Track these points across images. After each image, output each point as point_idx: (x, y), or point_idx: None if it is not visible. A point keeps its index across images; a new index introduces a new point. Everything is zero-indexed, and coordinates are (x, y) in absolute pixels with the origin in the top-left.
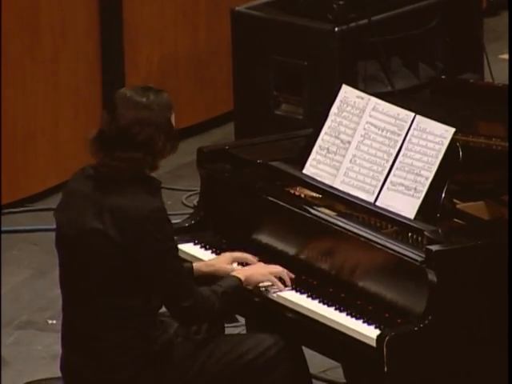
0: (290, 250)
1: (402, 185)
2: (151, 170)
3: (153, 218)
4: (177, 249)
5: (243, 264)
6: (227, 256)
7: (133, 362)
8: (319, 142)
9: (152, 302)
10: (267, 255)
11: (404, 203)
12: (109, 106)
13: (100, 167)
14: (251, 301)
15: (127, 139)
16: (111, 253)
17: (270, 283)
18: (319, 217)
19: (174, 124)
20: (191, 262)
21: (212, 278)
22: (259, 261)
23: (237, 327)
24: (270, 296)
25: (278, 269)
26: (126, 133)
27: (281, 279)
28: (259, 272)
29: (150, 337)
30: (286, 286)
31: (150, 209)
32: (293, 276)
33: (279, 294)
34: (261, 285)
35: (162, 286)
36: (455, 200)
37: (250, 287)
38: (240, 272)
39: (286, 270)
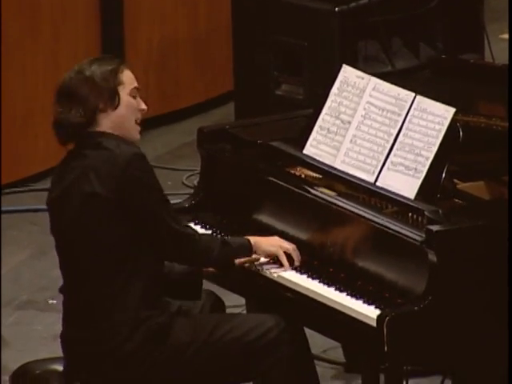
0: (290, 231)
1: (402, 165)
2: (97, 124)
3: (136, 162)
4: (162, 191)
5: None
6: (276, 239)
7: (133, 336)
8: (319, 122)
9: (155, 270)
10: (267, 235)
11: (404, 183)
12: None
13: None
14: (252, 281)
15: (62, 100)
16: (105, 212)
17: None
18: (319, 197)
19: (121, 81)
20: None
21: None
22: None
23: (238, 307)
24: (270, 275)
25: (290, 245)
26: (60, 94)
27: (289, 259)
28: (270, 242)
29: (149, 313)
30: (292, 265)
31: (132, 153)
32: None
33: (280, 273)
34: (264, 265)
35: (160, 229)
36: (455, 180)
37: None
38: (252, 237)
39: (297, 251)
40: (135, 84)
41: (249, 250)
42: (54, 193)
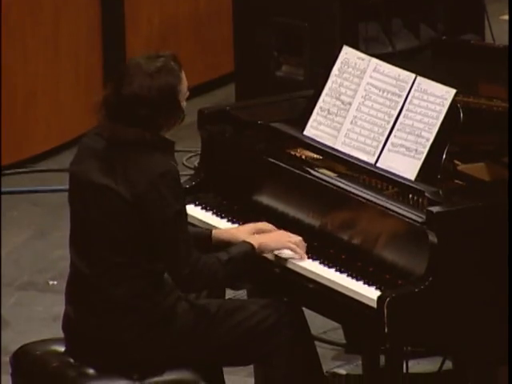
0: (291, 212)
1: (402, 146)
2: (158, 137)
3: (165, 178)
4: (185, 213)
5: None
6: (250, 226)
7: (135, 323)
8: (320, 103)
9: (157, 263)
10: (268, 217)
11: (405, 164)
12: (115, 74)
13: (111, 134)
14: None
15: (128, 113)
16: (120, 210)
17: (288, 254)
18: (320, 178)
19: (179, 90)
20: (210, 230)
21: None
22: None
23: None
24: (290, 265)
25: (296, 238)
26: (126, 107)
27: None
28: (275, 239)
29: (153, 298)
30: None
31: (163, 169)
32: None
33: (279, 254)
34: (276, 253)
35: (163, 249)
36: (456, 161)
37: (265, 255)
38: (254, 238)
39: (303, 242)
40: (186, 83)
41: (252, 255)
42: (80, 168)
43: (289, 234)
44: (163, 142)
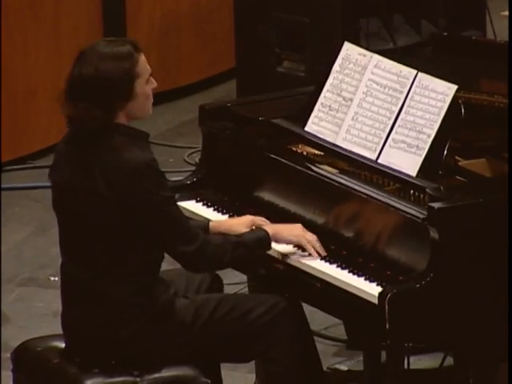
0: (292, 208)
1: (404, 142)
2: (117, 118)
3: (142, 170)
4: (173, 197)
5: None
6: (248, 218)
7: (133, 319)
8: (321, 99)
9: (152, 257)
10: (269, 213)
11: (406, 160)
12: (74, 58)
13: (71, 122)
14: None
15: (75, 91)
16: (106, 210)
17: (296, 249)
18: (321, 174)
19: (137, 74)
20: (208, 221)
21: None
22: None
23: (237, 284)
24: (292, 262)
25: (313, 237)
26: (74, 85)
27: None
28: (292, 232)
29: (150, 294)
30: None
31: (139, 161)
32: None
33: (307, 262)
34: (288, 250)
35: (162, 234)
36: (457, 157)
37: (277, 246)
38: (270, 227)
39: (319, 242)
40: (148, 69)
41: (267, 242)
42: (59, 175)
43: (305, 230)
44: (135, 134)
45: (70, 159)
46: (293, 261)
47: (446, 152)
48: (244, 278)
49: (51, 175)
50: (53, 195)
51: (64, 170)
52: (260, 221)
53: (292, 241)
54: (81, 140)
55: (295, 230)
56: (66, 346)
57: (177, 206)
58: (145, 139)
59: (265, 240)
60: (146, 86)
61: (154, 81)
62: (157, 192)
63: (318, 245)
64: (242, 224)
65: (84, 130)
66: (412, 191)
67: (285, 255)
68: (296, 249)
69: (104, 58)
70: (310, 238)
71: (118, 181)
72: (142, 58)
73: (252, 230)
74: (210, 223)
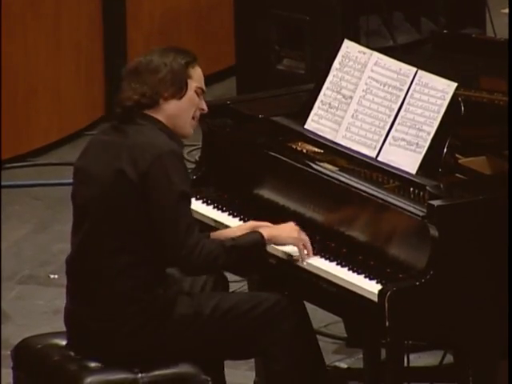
0: (292, 206)
1: (403, 140)
2: (158, 110)
3: (171, 157)
4: (189, 197)
5: None
6: (248, 225)
7: (135, 314)
8: (321, 97)
9: (158, 252)
10: (269, 210)
11: (406, 158)
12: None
13: (116, 108)
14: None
15: (130, 77)
16: (126, 191)
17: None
18: (321, 172)
19: (191, 75)
20: (209, 233)
21: None
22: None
23: (238, 282)
24: (292, 259)
25: (306, 237)
26: (129, 73)
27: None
28: (287, 234)
29: (154, 290)
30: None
31: (169, 148)
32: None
33: (280, 248)
34: (284, 249)
35: (162, 229)
36: (457, 155)
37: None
38: (265, 229)
39: (309, 243)
40: (203, 84)
41: (262, 245)
42: (84, 160)
43: (299, 229)
44: (173, 134)
45: (101, 144)
46: (292, 259)
47: (445, 150)
48: None
49: (77, 162)
50: (73, 183)
51: (91, 155)
52: (262, 225)
53: (288, 242)
54: (117, 125)
55: (292, 232)
56: (67, 343)
57: (189, 202)
58: (179, 142)
59: (259, 243)
60: (195, 94)
61: (204, 103)
62: (177, 182)
63: (309, 243)
64: (244, 229)
65: (125, 110)
66: (412, 189)
67: (284, 253)
68: (296, 250)
69: (166, 50)
70: (304, 238)
71: (143, 160)
72: (200, 69)
73: (247, 232)
74: (211, 234)
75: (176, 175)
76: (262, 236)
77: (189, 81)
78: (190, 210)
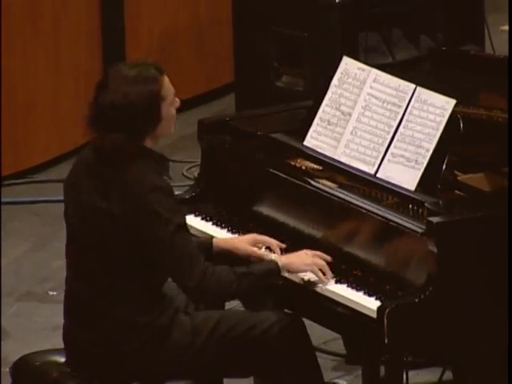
0: (291, 222)
1: (402, 156)
2: (142, 144)
3: (157, 195)
4: (185, 224)
5: (269, 248)
6: (250, 236)
7: (134, 337)
8: (320, 113)
9: (156, 277)
10: (268, 227)
11: (405, 175)
12: (97, 83)
13: (99, 149)
14: None
15: (106, 120)
16: (116, 230)
17: (311, 276)
18: (320, 189)
19: (163, 96)
20: (211, 237)
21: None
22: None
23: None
24: (290, 276)
25: (322, 261)
26: (104, 114)
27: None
28: (302, 261)
29: (152, 313)
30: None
31: (154, 185)
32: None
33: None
34: (302, 276)
35: (166, 265)
36: (456, 172)
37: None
38: (280, 258)
39: (325, 265)
40: (173, 90)
41: (277, 274)
42: (73, 184)
43: (313, 254)
44: (157, 156)
45: (88, 172)
46: (291, 275)
47: (444, 166)
48: None
49: (66, 186)
50: (65, 205)
51: (80, 186)
52: (262, 237)
53: (304, 270)
54: (104, 160)
55: (306, 259)
56: (66, 359)
57: (186, 233)
58: (165, 164)
59: (275, 272)
60: (171, 107)
61: (177, 100)
62: (169, 218)
63: (326, 267)
64: (245, 241)
65: (111, 155)
66: (411, 205)
67: (301, 279)
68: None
69: (131, 82)
70: (319, 262)
71: (130, 200)
72: (166, 79)
73: (262, 260)
74: (214, 240)
75: (166, 210)
76: (276, 265)
77: (162, 104)
78: (189, 239)
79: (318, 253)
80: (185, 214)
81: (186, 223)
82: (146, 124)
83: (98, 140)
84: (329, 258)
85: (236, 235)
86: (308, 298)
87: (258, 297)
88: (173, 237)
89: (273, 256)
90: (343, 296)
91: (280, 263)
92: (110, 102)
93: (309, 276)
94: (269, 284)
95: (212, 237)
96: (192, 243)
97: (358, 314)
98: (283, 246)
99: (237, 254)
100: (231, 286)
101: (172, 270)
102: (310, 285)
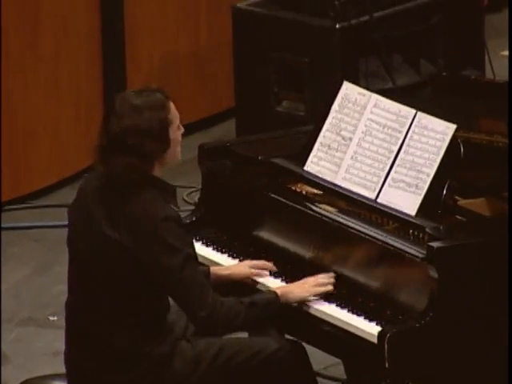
0: (291, 247)
1: (403, 181)
2: (151, 171)
3: (166, 225)
4: (195, 256)
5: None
6: (246, 262)
7: (134, 366)
8: (320, 138)
9: (161, 307)
10: (268, 252)
11: (405, 200)
12: (104, 113)
13: (107, 176)
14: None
15: (117, 146)
16: (124, 260)
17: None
18: (321, 213)
19: (170, 121)
20: (208, 266)
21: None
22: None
23: None
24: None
25: (320, 289)
26: (115, 140)
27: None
28: (300, 290)
29: (153, 342)
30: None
31: (165, 215)
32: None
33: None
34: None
35: (176, 296)
36: (456, 197)
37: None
38: (280, 288)
39: (330, 285)
40: (178, 115)
41: (276, 303)
42: (79, 213)
43: (311, 279)
44: (163, 186)
45: (95, 201)
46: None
47: (445, 191)
48: None
49: (71, 212)
50: (68, 231)
51: (85, 210)
52: (261, 263)
53: (303, 297)
54: (111, 188)
55: (303, 287)
56: None
57: (195, 264)
58: (172, 193)
59: (274, 302)
60: (178, 131)
61: (181, 127)
62: (178, 248)
63: (326, 281)
64: (242, 266)
65: (120, 181)
66: (411, 230)
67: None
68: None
69: (139, 109)
70: (318, 291)
71: (140, 232)
72: (172, 104)
73: (263, 292)
74: (211, 268)
75: (176, 241)
76: (276, 294)
77: (170, 127)
78: (198, 269)
79: (320, 280)
80: (193, 244)
81: (195, 253)
82: (155, 149)
83: (107, 166)
84: (332, 277)
85: (236, 260)
86: (309, 323)
87: (261, 323)
88: (183, 267)
89: (271, 286)
90: (344, 321)
91: (278, 292)
92: (120, 129)
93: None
94: (271, 315)
95: (212, 264)
96: (201, 273)
97: (358, 339)
98: (275, 269)
99: (234, 279)
100: (239, 316)
101: (182, 300)
102: (310, 309)
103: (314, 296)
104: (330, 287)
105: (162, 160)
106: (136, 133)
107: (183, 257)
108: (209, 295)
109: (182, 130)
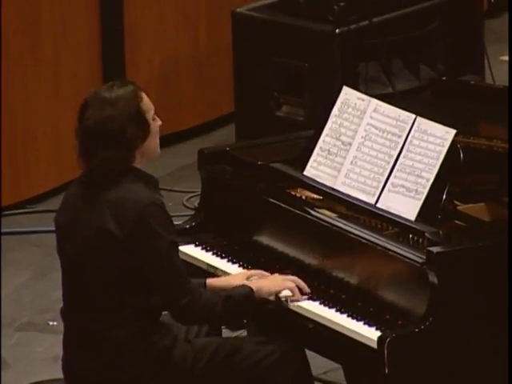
0: (291, 252)
1: (402, 186)
2: (133, 162)
3: (152, 210)
4: (177, 244)
5: None
6: (243, 272)
7: (134, 362)
8: (320, 143)
9: (153, 300)
10: (268, 257)
11: (405, 205)
12: (78, 111)
13: (89, 172)
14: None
15: (95, 140)
16: (113, 249)
17: (287, 293)
18: (320, 218)
19: (146, 108)
20: (205, 278)
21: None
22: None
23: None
24: (287, 305)
25: (292, 283)
26: (92, 134)
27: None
28: (271, 284)
29: (150, 338)
30: (302, 294)
31: (149, 201)
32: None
33: (297, 303)
34: (281, 295)
35: (159, 281)
36: (456, 201)
37: (270, 297)
38: (253, 283)
39: (299, 280)
40: (152, 106)
41: (251, 298)
42: (65, 216)
43: (283, 276)
44: (147, 177)
45: (80, 199)
46: (291, 305)
47: (444, 196)
48: None
49: (57, 218)
50: (57, 238)
51: (71, 210)
52: (257, 272)
53: (275, 291)
54: (94, 182)
55: (275, 281)
56: None
57: (178, 253)
58: (155, 184)
59: (250, 296)
60: (154, 122)
61: (158, 119)
62: (163, 235)
63: (299, 283)
64: (238, 278)
65: (103, 174)
66: (411, 235)
67: (283, 300)
68: (289, 292)
69: (113, 101)
70: (290, 285)
71: (125, 217)
72: (145, 95)
73: (238, 286)
74: (207, 280)
75: (161, 227)
76: (251, 289)
77: (146, 116)
78: (180, 259)
79: (290, 277)
80: (175, 231)
81: (177, 239)
82: (135, 135)
83: (88, 163)
84: (301, 282)
85: (236, 265)
86: (308, 328)
87: (261, 326)
88: (167, 253)
89: (246, 281)
90: (343, 326)
91: (253, 287)
92: (96, 122)
93: (284, 293)
94: (247, 308)
95: (211, 270)
96: (182, 262)
97: (358, 344)
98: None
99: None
100: (216, 307)
101: (164, 286)
102: (310, 314)
103: (293, 292)
104: (302, 283)
105: (142, 151)
106: (113, 121)
107: (168, 243)
108: (190, 284)
109: (159, 122)
